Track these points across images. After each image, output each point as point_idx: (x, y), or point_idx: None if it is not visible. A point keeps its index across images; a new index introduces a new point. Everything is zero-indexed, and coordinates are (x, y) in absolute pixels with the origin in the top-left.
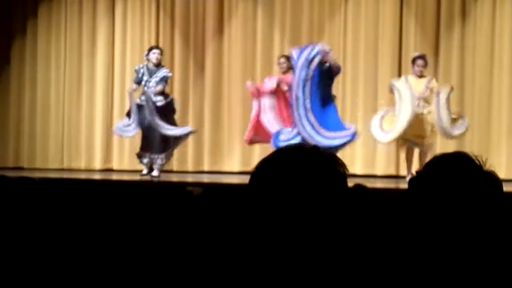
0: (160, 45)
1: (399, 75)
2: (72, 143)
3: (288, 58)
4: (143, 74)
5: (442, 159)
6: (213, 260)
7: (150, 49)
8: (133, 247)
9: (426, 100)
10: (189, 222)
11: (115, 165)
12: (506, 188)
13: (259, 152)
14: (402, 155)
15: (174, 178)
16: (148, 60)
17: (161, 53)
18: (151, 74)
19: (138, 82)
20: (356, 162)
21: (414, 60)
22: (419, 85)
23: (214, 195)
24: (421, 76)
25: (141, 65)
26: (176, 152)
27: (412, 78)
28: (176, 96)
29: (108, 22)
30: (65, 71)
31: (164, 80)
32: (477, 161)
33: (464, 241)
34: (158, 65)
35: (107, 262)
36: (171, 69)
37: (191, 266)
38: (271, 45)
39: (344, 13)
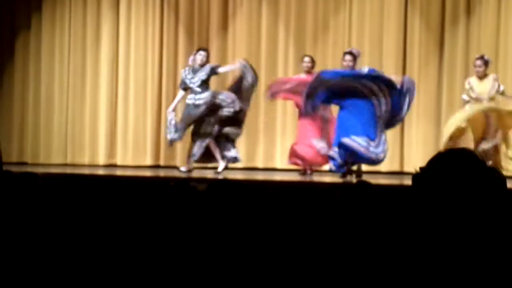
0: (164, 41)
1: (404, 71)
2: (76, 138)
3: (312, 58)
4: (186, 75)
5: (446, 155)
6: (217, 256)
7: (197, 51)
8: (136, 243)
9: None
10: (193, 218)
11: (119, 161)
12: (510, 184)
13: (263, 148)
14: (407, 152)
15: (178, 173)
16: (194, 61)
17: (208, 55)
18: (195, 72)
19: (184, 87)
20: None
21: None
22: (483, 86)
23: (218, 191)
24: (481, 76)
25: (186, 68)
26: (179, 148)
27: (474, 81)
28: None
29: (112, 17)
30: (69, 66)
31: (212, 72)
32: (480, 157)
33: (467, 237)
34: (203, 65)
35: (110, 257)
36: (175, 65)
37: (195, 262)
38: (276, 41)
39: (348, 9)
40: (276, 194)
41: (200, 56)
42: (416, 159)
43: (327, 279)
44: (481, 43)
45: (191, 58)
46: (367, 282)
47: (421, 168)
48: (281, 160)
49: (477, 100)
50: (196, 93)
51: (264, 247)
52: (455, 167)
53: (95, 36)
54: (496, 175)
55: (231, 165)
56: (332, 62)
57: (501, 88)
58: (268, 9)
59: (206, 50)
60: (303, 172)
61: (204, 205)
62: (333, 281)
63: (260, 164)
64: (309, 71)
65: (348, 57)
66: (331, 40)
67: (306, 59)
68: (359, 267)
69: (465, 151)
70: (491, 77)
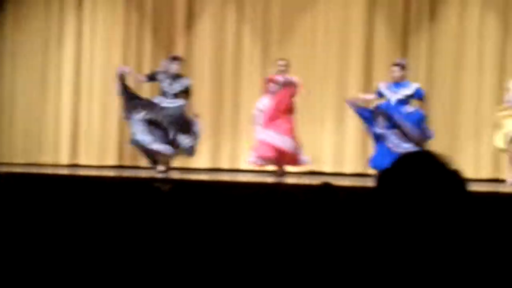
0: (130, 39)
1: (368, 74)
2: (39, 138)
3: (287, 62)
4: (163, 79)
5: (408, 157)
6: (180, 257)
7: (173, 59)
8: (98, 243)
9: None
10: (156, 219)
11: (82, 161)
12: (472, 187)
13: (228, 150)
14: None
15: (143, 174)
16: (168, 67)
17: (180, 64)
18: (172, 79)
19: (151, 79)
20: (325, 160)
21: None
22: None
23: (182, 192)
24: None
25: (162, 72)
26: None
27: None
28: (145, 91)
29: (76, 16)
30: (32, 66)
31: (188, 89)
32: (442, 160)
33: (427, 238)
34: (178, 75)
35: (70, 258)
36: (140, 65)
37: (157, 263)
38: (241, 41)
39: (314, 11)
40: (240, 195)
41: (176, 65)
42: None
43: (291, 281)
44: (444, 48)
45: (165, 64)
46: (328, 284)
47: (384, 170)
48: (246, 161)
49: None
50: (169, 98)
51: (228, 249)
52: (417, 169)
53: (59, 35)
54: (456, 177)
55: (195, 165)
56: (297, 63)
57: None
58: (233, 9)
59: (180, 59)
60: (280, 173)
61: (168, 206)
62: (296, 284)
63: (224, 165)
64: (283, 74)
65: (395, 68)
66: (296, 41)
67: (281, 62)
68: (322, 269)
69: (426, 154)
70: None
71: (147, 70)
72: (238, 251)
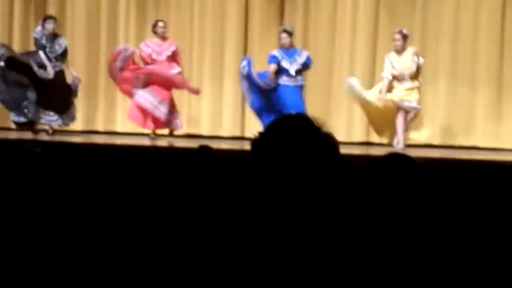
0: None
1: (244, 35)
2: None
3: (165, 24)
4: (44, 42)
5: (282, 120)
6: (50, 219)
7: (45, 19)
8: None
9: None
10: (28, 181)
11: None
12: (344, 150)
13: (104, 112)
14: (248, 117)
15: (14, 136)
16: (44, 28)
17: (55, 22)
18: (51, 42)
19: (42, 47)
20: (203, 123)
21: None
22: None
23: (54, 154)
24: (400, 51)
25: (38, 33)
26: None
27: (393, 56)
28: None
29: None
30: None
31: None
32: (315, 123)
33: (299, 202)
34: (56, 35)
35: None
36: (11, 29)
37: (30, 224)
38: (117, 2)
39: None
40: (115, 157)
41: (52, 25)
42: (257, 124)
43: (168, 246)
44: (320, 12)
45: (40, 28)
46: (203, 245)
47: (259, 133)
48: (121, 123)
49: (398, 77)
50: (51, 61)
51: (102, 212)
52: (290, 132)
53: None
54: (329, 141)
55: (71, 128)
56: (175, 25)
57: (421, 60)
58: None
59: (55, 18)
60: (154, 136)
61: (40, 168)
62: (174, 248)
63: (100, 128)
64: (164, 37)
65: (284, 35)
66: (174, 2)
67: (160, 23)
68: (198, 233)
69: (300, 116)
70: (410, 50)
71: (17, 34)
72: (112, 214)
